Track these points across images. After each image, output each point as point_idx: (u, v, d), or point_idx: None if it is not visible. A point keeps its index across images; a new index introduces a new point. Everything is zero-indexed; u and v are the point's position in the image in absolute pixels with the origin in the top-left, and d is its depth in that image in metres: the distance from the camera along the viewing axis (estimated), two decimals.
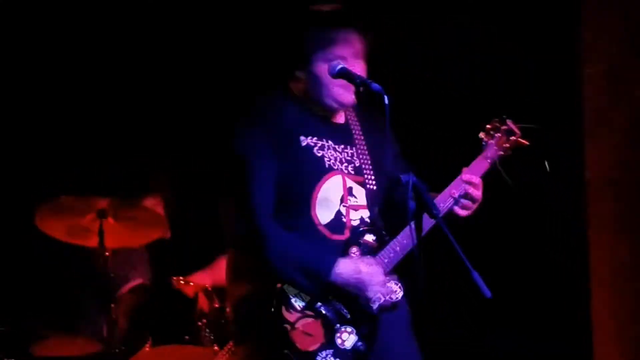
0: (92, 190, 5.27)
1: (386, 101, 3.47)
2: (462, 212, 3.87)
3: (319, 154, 3.81)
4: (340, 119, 3.94)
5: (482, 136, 4.02)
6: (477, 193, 3.88)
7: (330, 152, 3.84)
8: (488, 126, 4.02)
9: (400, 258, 3.79)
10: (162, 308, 5.26)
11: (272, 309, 3.64)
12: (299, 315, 3.66)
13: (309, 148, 3.80)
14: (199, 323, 5.15)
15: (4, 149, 5.99)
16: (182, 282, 5.27)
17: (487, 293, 3.25)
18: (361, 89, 3.63)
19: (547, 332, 5.96)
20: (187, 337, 5.19)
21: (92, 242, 5.21)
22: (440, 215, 3.46)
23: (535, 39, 5.89)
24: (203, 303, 5.23)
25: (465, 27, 5.97)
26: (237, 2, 6.01)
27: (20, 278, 5.95)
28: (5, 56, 5.94)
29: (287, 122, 3.80)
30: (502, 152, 3.99)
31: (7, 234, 5.89)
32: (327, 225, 3.78)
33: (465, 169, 3.92)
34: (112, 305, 5.17)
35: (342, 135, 3.90)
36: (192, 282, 5.26)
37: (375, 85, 3.54)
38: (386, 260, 3.77)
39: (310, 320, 3.68)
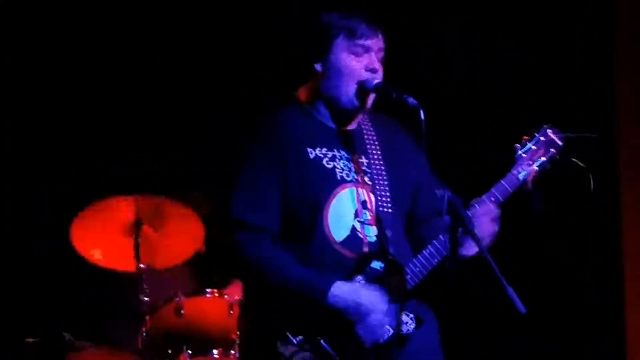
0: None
1: (422, 117, 3.40)
2: (468, 252, 3.55)
3: (330, 166, 3.59)
4: (352, 125, 3.69)
5: (517, 147, 3.65)
6: (488, 227, 3.57)
7: (343, 163, 3.61)
8: (524, 137, 3.66)
9: (412, 287, 3.54)
10: (195, 320, 5.29)
11: (266, 342, 3.46)
12: (295, 349, 3.42)
13: (318, 160, 3.58)
14: (234, 336, 5.17)
15: (36, 162, 6.06)
16: (216, 295, 5.29)
17: (522, 309, 3.19)
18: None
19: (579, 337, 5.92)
20: (220, 349, 5.22)
21: (129, 265, 5.25)
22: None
23: (569, 53, 5.90)
24: (237, 316, 5.23)
25: (495, 37, 5.98)
26: None
27: (56, 290, 5.99)
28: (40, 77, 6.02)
29: (293, 134, 3.58)
30: (536, 167, 3.63)
31: (42, 246, 5.94)
32: (343, 243, 3.54)
33: (493, 188, 3.63)
34: (148, 317, 5.20)
35: (354, 144, 3.66)
36: (227, 294, 5.28)
37: (412, 101, 3.44)
38: (395, 289, 3.51)
39: (308, 354, 3.42)
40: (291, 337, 3.42)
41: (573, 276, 5.88)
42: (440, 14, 5.97)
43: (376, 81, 3.57)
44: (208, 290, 5.29)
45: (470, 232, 3.39)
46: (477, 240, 3.39)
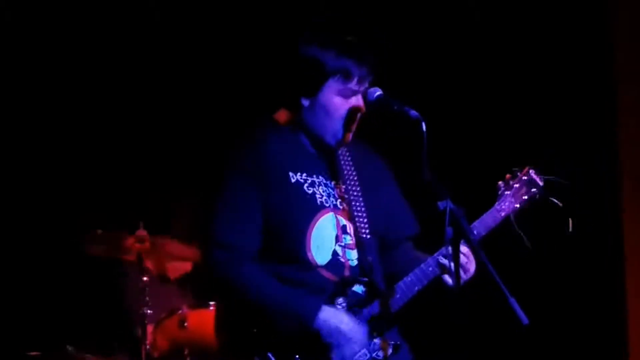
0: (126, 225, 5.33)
1: (424, 129, 3.40)
2: (450, 281, 3.60)
3: (310, 191, 3.60)
4: (330, 153, 3.71)
5: (501, 184, 3.77)
6: (466, 266, 3.60)
7: (322, 189, 3.62)
8: (507, 175, 3.77)
9: (392, 313, 3.57)
10: (199, 333, 5.29)
11: (243, 357, 3.47)
12: None
13: (299, 185, 3.59)
14: None
15: (46, 186, 6.08)
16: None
17: (524, 320, 3.21)
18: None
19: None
20: None
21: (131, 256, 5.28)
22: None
23: (570, 67, 5.92)
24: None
25: (497, 52, 5.99)
26: (251, 25, 6.03)
27: (59, 302, 6.00)
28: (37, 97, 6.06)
29: (275, 157, 3.58)
30: (517, 205, 3.73)
31: (45, 259, 5.95)
32: (326, 267, 3.56)
33: (476, 221, 3.68)
34: (151, 329, 5.21)
35: (333, 171, 3.68)
36: None
37: (414, 113, 3.44)
38: (376, 313, 3.55)
39: None
40: (270, 356, 3.43)
41: (575, 287, 5.90)
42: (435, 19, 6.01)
43: (378, 93, 3.57)
44: (211, 302, 5.29)
45: (471, 243, 3.41)
46: (477, 251, 3.42)
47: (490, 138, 5.85)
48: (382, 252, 3.75)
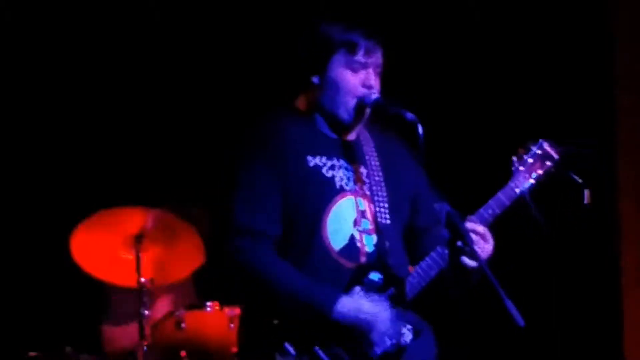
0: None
1: (420, 131, 3.40)
2: (470, 263, 3.49)
3: (329, 174, 3.56)
4: (351, 135, 3.67)
5: (514, 160, 3.65)
6: (483, 245, 3.53)
7: (343, 172, 3.59)
8: (521, 150, 3.67)
9: (410, 299, 3.53)
10: (195, 334, 5.29)
11: (264, 352, 3.45)
12: (292, 359, 3.41)
13: (318, 168, 3.56)
14: (234, 349, 5.15)
15: (39, 175, 6.07)
16: (217, 308, 5.28)
17: (521, 322, 3.19)
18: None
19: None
20: None
21: (130, 280, 5.23)
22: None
23: (570, 70, 5.91)
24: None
25: (496, 52, 5.99)
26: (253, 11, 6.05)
27: (58, 303, 6.00)
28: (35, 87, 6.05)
29: (293, 141, 3.56)
30: (533, 181, 3.63)
31: (45, 259, 5.95)
32: (341, 252, 3.52)
33: (490, 200, 3.61)
34: (148, 331, 5.20)
35: (353, 154, 3.64)
36: (227, 308, 5.26)
37: (410, 115, 3.43)
38: (394, 300, 3.50)
39: None
40: (289, 348, 3.41)
41: (570, 287, 5.90)
42: (435, 21, 6.00)
43: (374, 97, 3.56)
44: (208, 303, 5.28)
45: (469, 246, 3.40)
46: (475, 254, 3.41)
47: (490, 138, 5.84)
48: (411, 238, 3.73)
